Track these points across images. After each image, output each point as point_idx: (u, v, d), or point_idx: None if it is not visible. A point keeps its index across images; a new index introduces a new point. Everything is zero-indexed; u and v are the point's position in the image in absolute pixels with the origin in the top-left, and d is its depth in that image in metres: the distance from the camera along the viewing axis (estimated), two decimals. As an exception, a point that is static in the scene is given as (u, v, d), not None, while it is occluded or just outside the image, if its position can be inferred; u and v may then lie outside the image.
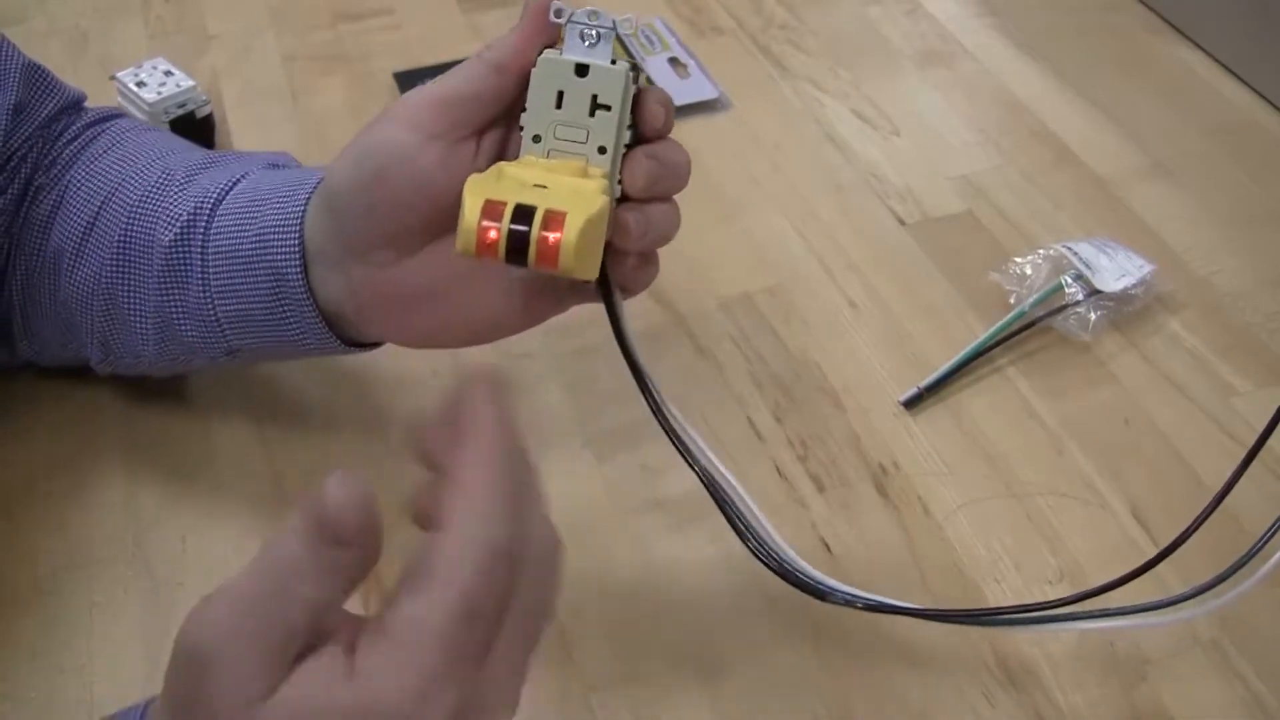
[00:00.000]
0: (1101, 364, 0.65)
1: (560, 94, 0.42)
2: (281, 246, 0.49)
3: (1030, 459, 0.60)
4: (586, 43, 0.42)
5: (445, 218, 0.44)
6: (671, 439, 0.46)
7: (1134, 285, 0.66)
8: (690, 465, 0.47)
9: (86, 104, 0.60)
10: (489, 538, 0.31)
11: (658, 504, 0.58)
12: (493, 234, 0.38)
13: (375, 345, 0.53)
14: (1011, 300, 0.66)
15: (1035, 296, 0.66)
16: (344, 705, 0.29)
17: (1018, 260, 0.68)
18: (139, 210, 0.53)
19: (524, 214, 0.38)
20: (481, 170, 0.44)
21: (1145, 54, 0.87)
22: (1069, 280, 0.66)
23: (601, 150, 0.43)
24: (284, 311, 0.50)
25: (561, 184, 0.40)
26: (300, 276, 0.49)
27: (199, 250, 0.51)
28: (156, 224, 0.52)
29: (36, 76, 0.57)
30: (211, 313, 0.52)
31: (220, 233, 0.51)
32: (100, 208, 0.54)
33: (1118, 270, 0.66)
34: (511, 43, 0.44)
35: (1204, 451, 0.60)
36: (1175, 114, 0.81)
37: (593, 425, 0.61)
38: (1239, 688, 0.51)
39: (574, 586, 0.54)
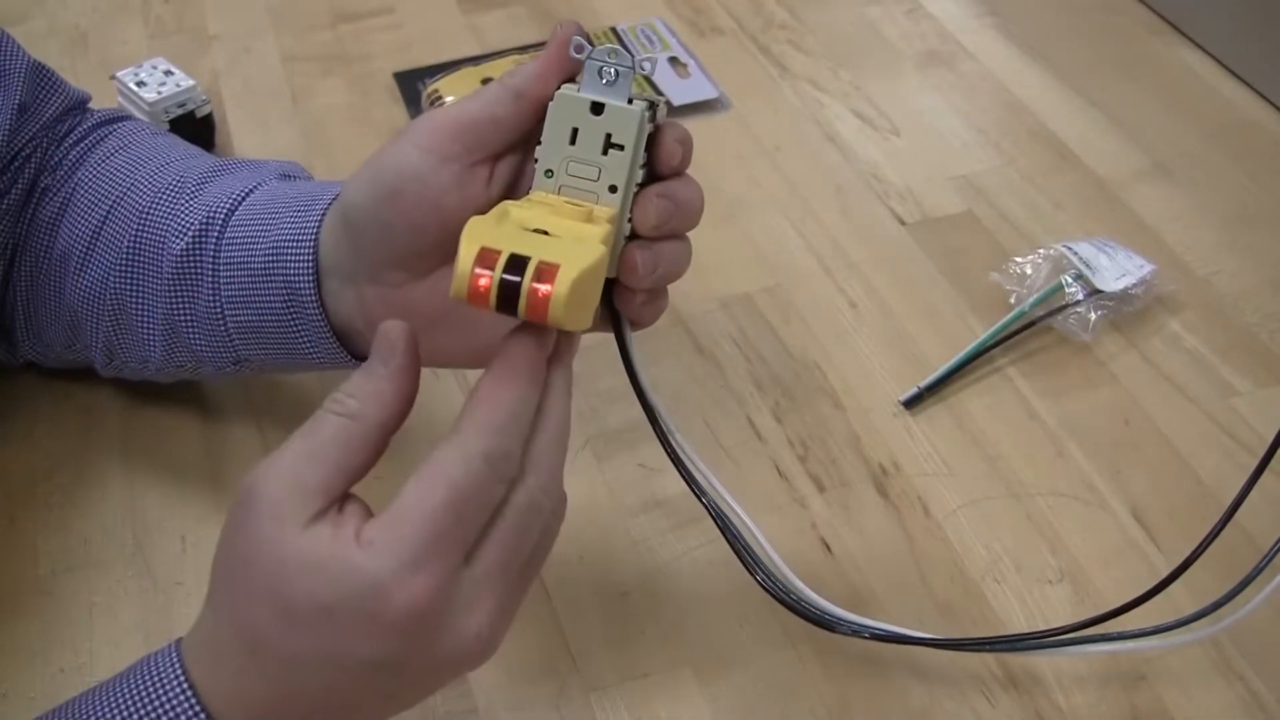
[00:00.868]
0: (1101, 364, 0.65)
1: (575, 130, 0.42)
2: (295, 260, 0.49)
3: (1030, 459, 0.60)
4: (605, 80, 0.42)
5: (456, 243, 0.44)
6: (680, 470, 0.46)
7: (1134, 285, 0.66)
8: (698, 498, 0.47)
9: (90, 105, 0.61)
10: (484, 445, 0.36)
11: (658, 504, 0.58)
12: (484, 282, 0.37)
13: None
14: (1011, 300, 0.66)
15: (1035, 296, 0.66)
16: (341, 561, 0.35)
17: (1018, 260, 0.68)
18: (150, 216, 0.53)
19: (517, 264, 0.37)
20: (493, 198, 0.44)
21: (1145, 54, 0.87)
22: (1069, 280, 0.66)
23: (612, 189, 0.42)
24: (295, 324, 0.50)
25: (563, 229, 0.40)
26: (313, 291, 0.49)
27: (210, 260, 0.51)
28: (168, 231, 0.52)
29: (41, 76, 0.57)
30: (221, 323, 0.51)
31: (233, 243, 0.51)
32: (109, 211, 0.54)
33: (1118, 270, 0.66)
34: (533, 71, 0.43)
35: (1204, 451, 0.60)
36: (1175, 114, 0.81)
37: (593, 425, 0.61)
38: (1239, 688, 0.51)
39: (574, 586, 0.54)
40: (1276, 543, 0.45)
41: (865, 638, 0.49)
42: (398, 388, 0.38)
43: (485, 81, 0.78)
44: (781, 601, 0.48)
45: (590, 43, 0.42)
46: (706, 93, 0.82)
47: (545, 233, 0.39)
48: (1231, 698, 0.50)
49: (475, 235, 0.38)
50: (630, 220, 0.43)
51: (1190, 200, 0.75)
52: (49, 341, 0.58)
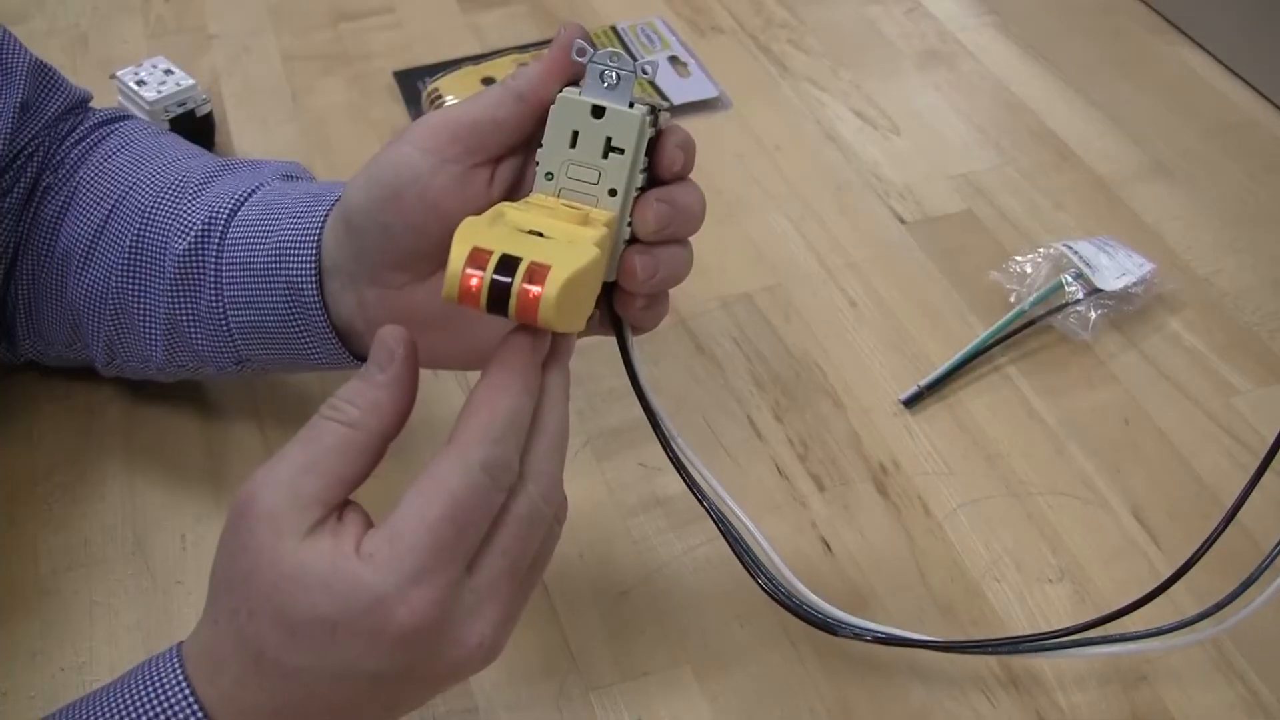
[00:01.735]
0: (1101, 363, 0.65)
1: (575, 134, 0.42)
2: (298, 260, 0.49)
3: (1030, 458, 0.60)
4: (606, 83, 0.42)
5: None
6: (682, 474, 0.46)
7: (1134, 284, 0.66)
8: (700, 501, 0.47)
9: (90, 104, 0.61)
10: (482, 454, 0.36)
11: (658, 503, 0.58)
12: (475, 282, 0.37)
13: None
14: (1011, 299, 0.66)
15: (1035, 295, 0.66)
16: (343, 575, 0.35)
17: (1018, 259, 0.68)
18: (152, 215, 0.53)
19: (508, 264, 0.37)
20: (494, 201, 0.44)
21: (1145, 54, 0.87)
22: (1069, 279, 0.66)
23: (612, 193, 0.42)
24: (297, 324, 0.50)
25: (559, 231, 0.40)
26: (315, 292, 0.49)
27: (213, 260, 0.51)
28: (170, 231, 0.52)
29: (43, 75, 0.57)
30: (223, 323, 0.51)
31: (235, 244, 0.51)
32: (111, 210, 0.54)
33: (1118, 269, 0.66)
34: (535, 73, 0.43)
35: (1204, 451, 0.60)
36: (1175, 113, 0.81)
37: (593, 425, 0.61)
38: (1239, 688, 0.51)
39: (574, 585, 0.54)
40: (1278, 544, 0.45)
41: (867, 640, 0.49)
42: (396, 396, 0.38)
43: (485, 81, 0.78)
44: (783, 605, 0.48)
45: (593, 45, 0.42)
46: (706, 92, 0.82)
47: (540, 234, 0.39)
48: (1232, 698, 0.50)
49: (468, 235, 0.38)
50: (630, 224, 0.43)
51: (1190, 199, 0.75)
52: (50, 340, 0.58)
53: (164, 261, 0.52)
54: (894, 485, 0.59)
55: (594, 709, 0.50)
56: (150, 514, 0.57)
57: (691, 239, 0.45)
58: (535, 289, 0.37)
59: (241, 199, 0.52)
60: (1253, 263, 0.70)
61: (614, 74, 0.42)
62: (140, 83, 0.74)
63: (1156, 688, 0.51)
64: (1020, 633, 0.52)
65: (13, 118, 0.55)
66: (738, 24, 0.90)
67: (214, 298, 0.51)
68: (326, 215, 0.49)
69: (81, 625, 0.52)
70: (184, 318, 0.52)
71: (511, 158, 0.45)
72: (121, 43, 0.87)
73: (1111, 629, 0.47)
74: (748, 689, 0.51)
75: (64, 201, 0.55)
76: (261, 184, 0.53)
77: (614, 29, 0.87)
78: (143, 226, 0.53)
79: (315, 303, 0.49)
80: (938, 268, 0.70)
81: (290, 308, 0.50)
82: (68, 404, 0.61)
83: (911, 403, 0.62)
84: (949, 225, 0.73)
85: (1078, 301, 0.65)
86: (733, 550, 0.48)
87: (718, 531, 0.47)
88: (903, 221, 0.73)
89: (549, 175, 0.43)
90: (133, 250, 0.53)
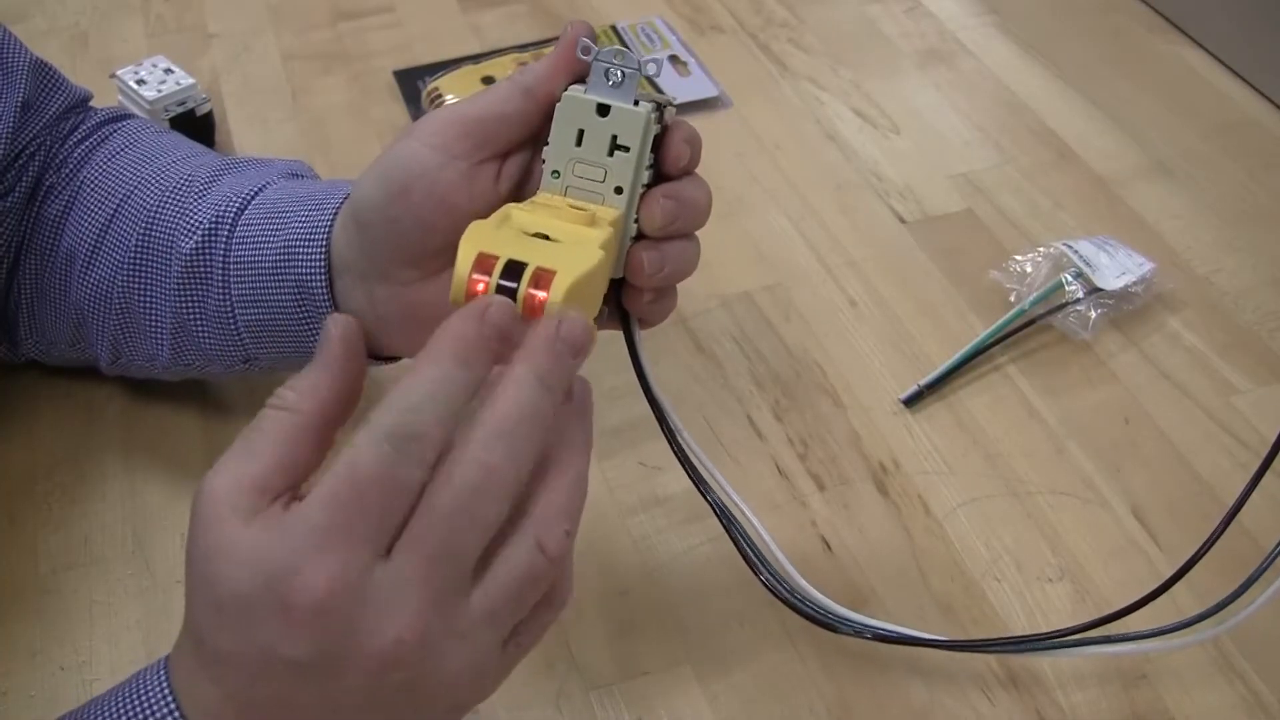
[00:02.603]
0: (1101, 362, 0.65)
1: (581, 132, 0.42)
2: (307, 259, 0.49)
3: (1030, 457, 0.60)
4: (611, 81, 0.42)
5: None
6: (686, 468, 0.47)
7: (1134, 283, 0.66)
8: (704, 495, 0.47)
9: (92, 104, 0.60)
10: (389, 423, 0.34)
11: (658, 503, 0.58)
12: (481, 287, 0.37)
13: (394, 359, 0.53)
14: (1011, 298, 0.66)
15: (1035, 295, 0.66)
16: (257, 547, 0.33)
17: (1018, 258, 0.68)
18: (157, 215, 0.53)
19: (514, 270, 0.37)
20: (502, 196, 0.44)
21: (1146, 53, 0.87)
22: (1069, 278, 0.66)
23: (618, 190, 0.43)
24: (307, 322, 0.50)
25: (564, 233, 0.40)
26: (325, 289, 0.49)
27: (220, 259, 0.51)
28: (176, 231, 0.52)
29: (44, 74, 0.57)
30: (231, 321, 0.51)
31: (243, 243, 0.51)
32: (116, 210, 0.54)
33: (1118, 268, 0.66)
34: (541, 69, 0.43)
35: (1204, 450, 0.60)
36: (1175, 112, 0.81)
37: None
38: (1240, 687, 0.51)
39: (574, 585, 0.54)
40: (1278, 544, 0.45)
41: (867, 638, 0.49)
42: (333, 378, 0.37)
43: (486, 80, 0.78)
44: (785, 601, 0.48)
45: (597, 44, 0.42)
46: (707, 91, 0.82)
47: (546, 237, 0.39)
48: (1233, 697, 0.50)
49: (474, 240, 0.38)
50: (637, 221, 0.43)
51: (1190, 198, 0.75)
52: (53, 339, 0.58)
53: (170, 261, 0.52)
54: (894, 484, 0.59)
55: (594, 709, 0.50)
56: (150, 513, 0.57)
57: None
58: (541, 294, 0.37)
59: (248, 197, 0.52)
60: (1253, 262, 0.70)
61: (619, 72, 0.42)
62: (140, 82, 0.74)
63: (1156, 687, 0.51)
64: (1020, 632, 0.52)
65: (14, 118, 0.55)
66: (738, 23, 0.90)
67: (222, 296, 0.51)
68: (336, 212, 0.49)
69: (81, 624, 0.52)
70: (191, 317, 0.52)
71: (519, 153, 0.45)
72: (121, 42, 0.87)
73: (1112, 629, 0.47)
74: (748, 688, 0.51)
75: (67, 201, 0.55)
76: (268, 182, 0.53)
77: (614, 28, 0.87)
78: (148, 226, 0.53)
79: (324, 299, 0.49)
80: (938, 267, 0.70)
81: (300, 305, 0.50)
82: (68, 403, 0.61)
83: (911, 402, 0.62)
84: (949, 224, 0.73)
85: (1078, 301, 0.65)
86: (736, 546, 0.48)
87: (718, 531, 0.47)
88: (903, 221, 0.73)
89: (555, 173, 0.43)
90: (138, 250, 0.53)
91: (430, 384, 0.34)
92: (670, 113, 0.43)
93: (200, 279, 0.52)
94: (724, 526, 0.48)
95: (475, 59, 0.81)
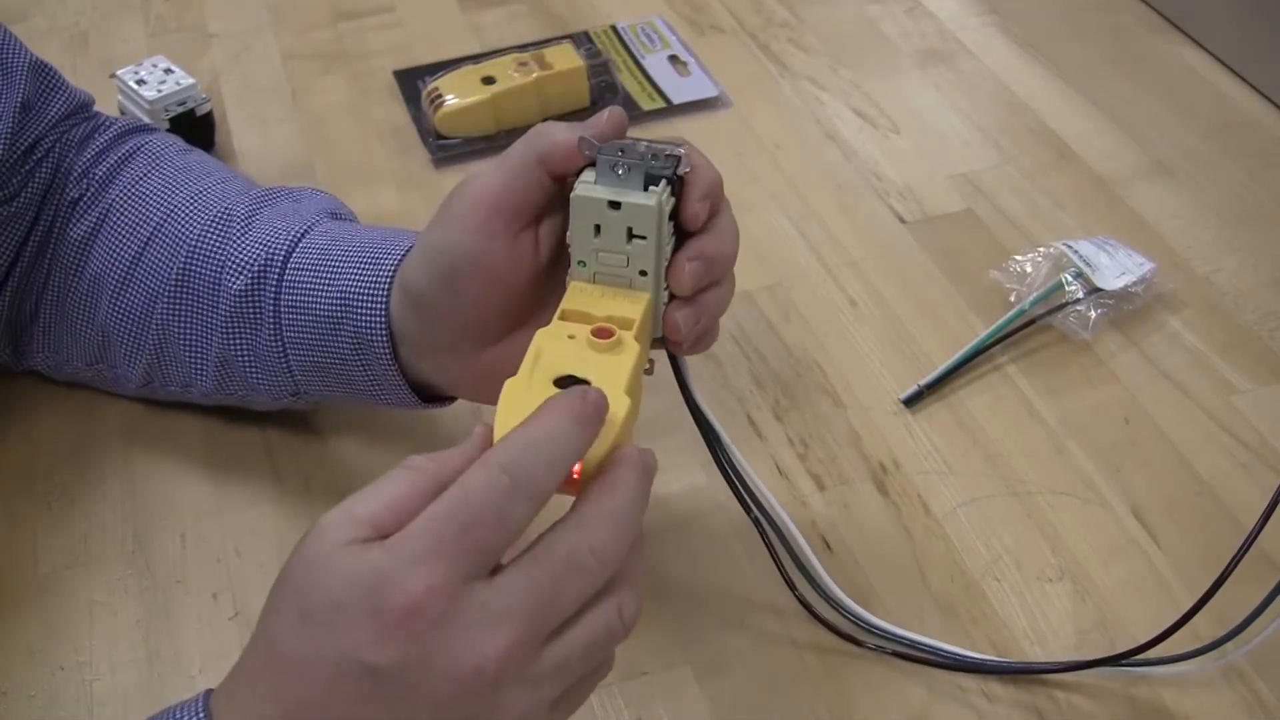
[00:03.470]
0: (1101, 362, 0.65)
1: (598, 226, 0.43)
2: (366, 314, 0.50)
3: (1030, 457, 0.60)
4: (619, 171, 0.43)
5: (521, 308, 0.47)
6: (734, 488, 0.49)
7: (1134, 283, 0.66)
8: (747, 512, 0.50)
9: (95, 107, 0.60)
10: (502, 456, 0.35)
11: (658, 502, 0.57)
12: None
13: (452, 400, 0.54)
14: (1012, 298, 0.66)
15: (1035, 294, 0.66)
16: (360, 561, 0.34)
17: (1018, 258, 0.68)
18: (198, 247, 0.53)
19: None
20: (544, 260, 0.46)
21: (1146, 53, 0.87)
22: (1069, 278, 0.66)
23: (643, 273, 0.44)
24: (366, 371, 0.51)
25: (593, 369, 0.40)
26: (386, 343, 0.49)
27: (271, 300, 0.52)
28: (223, 268, 0.53)
29: (43, 74, 0.57)
30: (283, 360, 0.52)
31: (294, 286, 0.51)
32: (150, 238, 0.54)
33: (1118, 268, 0.66)
34: (558, 138, 0.44)
35: (1204, 450, 0.60)
36: (1175, 112, 0.81)
37: (593, 424, 0.61)
38: (1240, 687, 0.51)
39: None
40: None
41: (887, 653, 0.51)
42: (466, 454, 0.38)
43: (485, 80, 0.78)
44: (817, 617, 0.51)
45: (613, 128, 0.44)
46: (706, 91, 0.82)
47: (575, 379, 0.40)
48: (1233, 698, 0.50)
49: (510, 407, 0.39)
50: (667, 288, 0.45)
51: (1190, 198, 0.75)
52: (69, 358, 0.58)
53: (217, 298, 0.53)
54: (894, 484, 0.59)
55: (594, 709, 0.50)
56: (150, 513, 0.57)
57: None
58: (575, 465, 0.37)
59: (295, 239, 0.52)
60: (1252, 262, 0.70)
61: (624, 166, 0.42)
62: (140, 82, 0.74)
63: (1157, 687, 0.51)
64: (1020, 631, 0.52)
65: (13, 118, 0.55)
66: (738, 23, 0.90)
67: (273, 337, 0.52)
68: (393, 272, 0.49)
69: (81, 624, 0.52)
70: (239, 354, 0.53)
71: (550, 216, 0.46)
72: (121, 42, 0.87)
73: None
74: (748, 689, 0.51)
75: (94, 223, 0.56)
76: (313, 223, 0.53)
77: (614, 28, 0.87)
78: (189, 258, 0.53)
79: (386, 354, 0.50)
80: (938, 267, 0.70)
81: (358, 354, 0.50)
82: (68, 403, 0.61)
83: (911, 402, 0.62)
84: (949, 224, 0.73)
85: (1078, 301, 0.65)
86: (775, 563, 0.50)
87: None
88: (903, 221, 0.73)
89: (582, 263, 0.44)
90: (180, 281, 0.53)
91: (546, 431, 0.36)
92: (684, 166, 0.43)
93: (250, 318, 0.52)
94: (766, 546, 0.50)
95: (475, 59, 0.81)
